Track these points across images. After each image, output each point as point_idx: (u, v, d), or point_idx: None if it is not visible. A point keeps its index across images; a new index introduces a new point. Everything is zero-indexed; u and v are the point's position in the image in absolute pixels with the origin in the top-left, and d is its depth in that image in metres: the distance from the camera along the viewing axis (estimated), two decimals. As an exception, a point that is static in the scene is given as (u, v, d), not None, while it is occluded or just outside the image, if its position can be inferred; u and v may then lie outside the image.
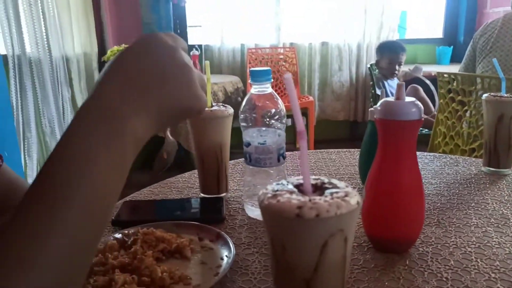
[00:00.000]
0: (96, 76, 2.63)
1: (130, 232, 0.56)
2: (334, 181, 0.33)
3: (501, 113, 0.78)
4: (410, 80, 3.14)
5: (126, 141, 0.31)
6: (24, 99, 1.73)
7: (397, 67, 2.71)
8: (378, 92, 2.61)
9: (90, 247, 0.30)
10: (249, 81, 0.61)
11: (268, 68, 0.60)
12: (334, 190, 0.31)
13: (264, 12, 3.47)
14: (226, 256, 0.52)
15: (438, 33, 4.02)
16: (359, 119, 3.67)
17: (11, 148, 1.45)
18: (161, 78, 0.34)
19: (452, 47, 3.71)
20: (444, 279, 0.46)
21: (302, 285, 0.31)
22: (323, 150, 1.02)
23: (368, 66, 2.84)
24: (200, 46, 3.43)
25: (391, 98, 0.50)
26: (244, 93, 3.22)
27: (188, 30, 3.58)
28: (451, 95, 1.83)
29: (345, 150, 1.01)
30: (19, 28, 1.65)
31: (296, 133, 0.32)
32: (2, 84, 1.42)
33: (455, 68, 3.29)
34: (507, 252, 0.52)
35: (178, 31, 3.48)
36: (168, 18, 3.33)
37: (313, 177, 0.34)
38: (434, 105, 0.59)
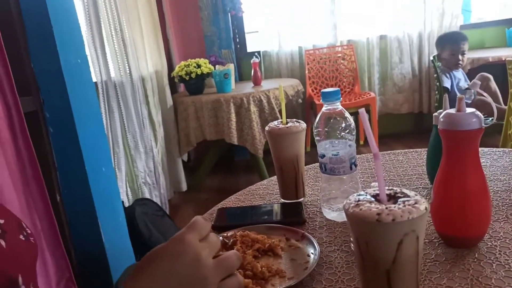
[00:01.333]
0: (168, 92, 2.86)
1: (228, 234, 0.67)
2: (405, 190, 0.41)
3: None
4: (479, 68, 3.01)
5: None
6: (112, 119, 1.95)
7: (460, 57, 2.62)
8: (445, 84, 2.54)
9: None
10: (321, 100, 0.69)
11: (338, 89, 0.68)
12: (405, 199, 0.39)
13: (319, 12, 3.51)
14: (311, 253, 0.61)
15: (508, 14, 3.78)
16: (424, 110, 3.57)
17: (107, 164, 1.66)
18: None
19: (524, 27, 3.48)
20: (510, 269, 0.52)
21: (383, 275, 0.39)
22: (390, 151, 1.07)
23: (431, 58, 2.77)
24: (258, 52, 3.57)
25: (452, 110, 0.56)
26: (304, 94, 3.29)
27: (246, 36, 3.74)
28: (523, 82, 1.76)
29: (411, 150, 1.05)
30: (104, 58, 1.88)
31: (373, 155, 0.40)
32: (96, 109, 1.63)
33: (528, 50, 3.10)
34: None
35: (237, 39, 3.64)
36: (227, 29, 3.51)
37: (387, 187, 0.42)
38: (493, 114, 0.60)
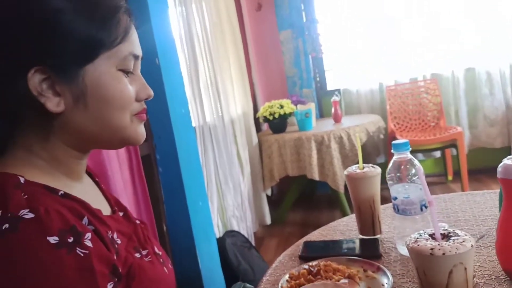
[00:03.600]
0: (253, 131, 3.10)
1: (313, 264, 0.80)
2: (457, 231, 0.51)
3: None
4: None
5: None
6: (206, 158, 2.21)
7: None
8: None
9: None
10: (392, 150, 0.81)
11: (407, 140, 0.79)
12: (456, 237, 0.50)
13: (399, 47, 3.56)
14: (386, 283, 0.71)
15: None
16: (520, 144, 3.34)
17: (203, 198, 1.89)
18: None
19: None
20: None
21: (439, 298, 0.49)
22: (468, 192, 1.11)
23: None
24: (338, 90, 3.70)
25: (510, 161, 0.64)
26: (386, 130, 3.31)
27: (326, 75, 3.90)
28: None
29: (490, 191, 1.09)
30: (201, 105, 2.16)
31: (428, 202, 0.52)
32: (195, 150, 1.88)
33: None
34: None
35: (318, 79, 3.82)
36: (308, 70, 3.71)
37: (442, 228, 0.52)
38: None
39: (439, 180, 3.52)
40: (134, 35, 0.57)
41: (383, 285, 0.71)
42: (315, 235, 1.01)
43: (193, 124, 2.11)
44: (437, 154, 3.54)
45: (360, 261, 0.80)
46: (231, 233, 2.28)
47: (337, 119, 3.21)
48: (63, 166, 0.56)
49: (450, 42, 3.44)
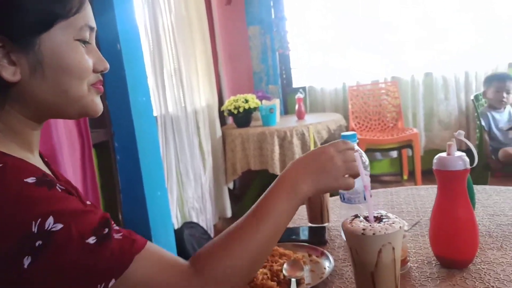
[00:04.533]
0: (217, 124, 3.10)
1: (262, 249, 0.82)
2: (390, 214, 0.55)
3: None
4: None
5: (299, 199, 0.59)
6: (167, 148, 2.20)
7: (504, 95, 2.65)
8: (483, 123, 2.58)
9: (268, 249, 0.57)
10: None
11: (354, 132, 0.83)
12: (387, 220, 0.53)
13: (363, 50, 3.66)
14: (327, 266, 0.75)
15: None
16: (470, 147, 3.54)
17: (162, 189, 1.87)
18: (321, 171, 0.60)
19: None
20: (491, 287, 0.62)
21: (368, 276, 0.53)
22: (413, 187, 1.18)
23: (472, 98, 2.81)
24: (304, 88, 3.76)
25: (443, 154, 0.69)
26: (347, 129, 3.41)
27: (292, 72, 3.95)
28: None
29: (434, 186, 1.15)
30: (164, 95, 2.15)
31: (365, 186, 0.55)
32: (155, 140, 1.87)
33: None
34: (554, 271, 0.65)
35: (284, 76, 3.87)
36: (274, 66, 3.75)
37: (377, 211, 0.56)
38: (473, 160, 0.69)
39: (395, 179, 3.66)
40: (88, 7, 0.58)
41: (325, 268, 0.75)
42: (267, 223, 1.03)
43: (155, 114, 2.09)
44: (394, 154, 3.69)
45: (306, 247, 0.83)
46: (189, 225, 2.28)
47: (300, 116, 3.27)
48: (18, 136, 0.56)
49: (411, 48, 3.58)
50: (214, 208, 2.95)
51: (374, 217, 0.55)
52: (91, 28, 0.58)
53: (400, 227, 0.52)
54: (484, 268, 0.68)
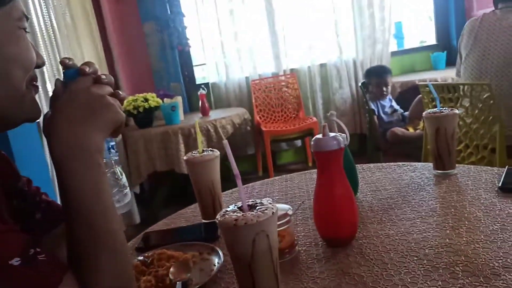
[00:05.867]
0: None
1: (149, 254, 0.76)
2: (264, 201, 0.53)
3: (437, 126, 0.96)
4: (408, 90, 3.31)
5: (95, 157, 0.50)
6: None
7: (384, 89, 2.90)
8: (373, 106, 2.79)
9: (114, 242, 0.50)
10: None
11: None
12: (260, 207, 0.51)
13: (262, 44, 3.73)
14: (217, 263, 0.71)
15: (433, 40, 4.18)
16: (364, 131, 3.82)
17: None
18: (94, 111, 0.52)
19: (445, 52, 3.86)
20: (370, 259, 0.65)
21: (246, 267, 0.50)
22: (307, 171, 1.20)
23: (359, 85, 3.03)
24: (206, 84, 3.72)
25: (319, 136, 0.70)
26: (252, 122, 3.45)
27: (195, 69, 3.89)
28: (434, 103, 1.99)
29: (306, 171, 1.18)
30: (47, 98, 1.93)
31: (235, 175, 0.52)
32: (38, 146, 1.68)
33: (450, 72, 3.44)
34: (423, 236, 0.70)
35: (186, 73, 3.78)
36: (175, 63, 3.64)
37: (252, 200, 0.54)
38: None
39: (302, 166, 3.81)
40: None
41: (214, 265, 0.71)
42: (160, 225, 0.97)
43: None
44: (299, 143, 3.83)
45: (197, 245, 0.79)
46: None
47: (204, 112, 3.22)
48: None
49: (307, 39, 3.73)
50: (119, 216, 2.77)
51: (248, 205, 0.52)
52: (27, 18, 0.55)
53: (273, 213, 0.50)
54: (365, 243, 0.70)
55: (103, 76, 0.56)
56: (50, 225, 0.67)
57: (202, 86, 3.36)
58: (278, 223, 0.67)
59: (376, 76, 2.93)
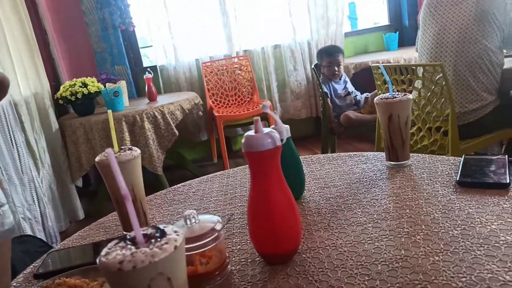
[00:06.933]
0: (51, 115, 2.65)
1: (45, 284, 0.61)
2: (168, 228, 0.39)
3: (390, 113, 0.86)
4: (361, 71, 3.26)
5: None
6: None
7: (336, 68, 2.82)
8: (325, 89, 2.71)
9: None
10: None
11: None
12: (159, 238, 0.38)
13: (213, 24, 3.54)
14: None
15: (385, 20, 4.16)
16: (320, 114, 3.76)
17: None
18: None
19: (398, 32, 3.85)
20: (314, 282, 0.53)
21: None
22: (230, 169, 1.07)
23: (312, 67, 2.94)
24: (154, 67, 3.48)
25: (251, 132, 0.57)
26: (204, 107, 3.28)
27: (142, 51, 3.63)
28: (386, 85, 1.92)
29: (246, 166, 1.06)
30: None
31: (124, 196, 0.38)
32: None
33: (402, 53, 3.42)
34: (376, 246, 0.59)
35: (131, 55, 3.52)
36: (118, 45, 3.36)
37: (146, 228, 0.40)
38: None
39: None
40: None
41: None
42: (73, 239, 0.81)
43: None
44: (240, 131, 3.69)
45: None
46: (19, 239, 1.88)
47: (151, 98, 3.02)
48: None
49: (260, 19, 3.57)
50: (60, 213, 2.55)
51: (145, 235, 0.39)
52: None
53: (175, 246, 0.37)
54: (309, 258, 0.59)
55: None
56: None
57: (148, 69, 3.14)
58: (202, 242, 0.55)
59: (327, 55, 2.84)
